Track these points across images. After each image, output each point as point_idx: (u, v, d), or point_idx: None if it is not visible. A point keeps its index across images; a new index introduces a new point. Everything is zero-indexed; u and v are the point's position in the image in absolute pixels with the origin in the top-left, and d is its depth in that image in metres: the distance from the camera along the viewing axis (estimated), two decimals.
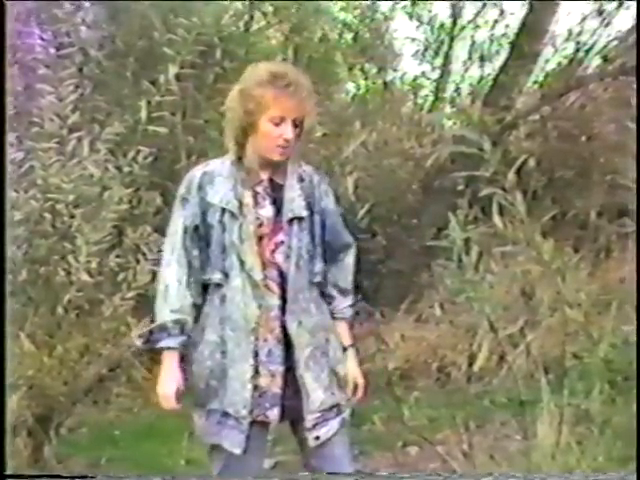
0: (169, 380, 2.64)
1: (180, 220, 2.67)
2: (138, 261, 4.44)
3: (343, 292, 2.82)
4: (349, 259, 2.85)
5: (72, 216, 4.27)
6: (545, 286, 4.18)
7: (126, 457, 4.57)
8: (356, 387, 2.79)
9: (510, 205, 3.45)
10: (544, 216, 3.80)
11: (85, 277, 4.19)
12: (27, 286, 4.19)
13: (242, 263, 2.61)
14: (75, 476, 3.00)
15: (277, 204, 2.68)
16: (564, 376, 3.52)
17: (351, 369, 2.79)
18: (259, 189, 2.68)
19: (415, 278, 6.73)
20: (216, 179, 2.66)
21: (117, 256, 4.44)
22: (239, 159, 2.68)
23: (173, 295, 2.64)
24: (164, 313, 2.64)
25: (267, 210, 2.67)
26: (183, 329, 2.64)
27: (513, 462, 3.60)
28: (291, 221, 2.67)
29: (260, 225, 2.65)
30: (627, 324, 3.81)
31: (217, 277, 2.63)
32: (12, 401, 3.88)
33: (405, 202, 7.48)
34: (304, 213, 2.69)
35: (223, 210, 2.63)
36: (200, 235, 2.65)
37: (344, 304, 2.82)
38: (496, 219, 3.54)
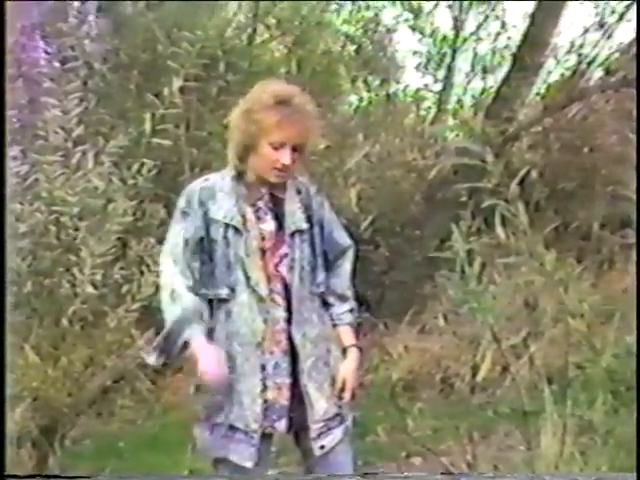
0: (210, 356, 2.57)
1: (181, 233, 2.66)
2: (142, 273, 4.45)
3: (341, 298, 2.81)
4: (346, 265, 2.84)
5: (77, 228, 4.29)
6: (548, 297, 4.19)
7: (130, 468, 4.57)
8: (343, 389, 2.73)
9: (513, 216, 3.46)
10: (547, 227, 3.81)
11: (89, 289, 4.20)
12: (32, 298, 4.21)
13: (248, 278, 2.62)
14: (74, 476, 3.00)
15: (278, 218, 2.70)
16: (567, 386, 3.52)
17: (343, 369, 2.75)
18: (260, 204, 2.70)
19: (418, 289, 6.73)
20: (217, 194, 2.67)
21: (121, 268, 4.46)
22: (239, 174, 2.70)
23: (183, 295, 2.61)
24: (176, 312, 2.60)
25: (269, 224, 2.69)
26: (202, 317, 2.61)
27: (517, 472, 3.61)
28: (293, 234, 2.69)
29: (263, 239, 2.66)
30: (630, 334, 3.81)
31: (224, 292, 2.63)
32: (16, 412, 3.90)
33: (408, 213, 7.49)
34: (305, 225, 2.72)
35: (226, 226, 2.63)
36: (202, 249, 2.66)
37: (342, 310, 2.80)
38: (499, 230, 3.55)
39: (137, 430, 5.44)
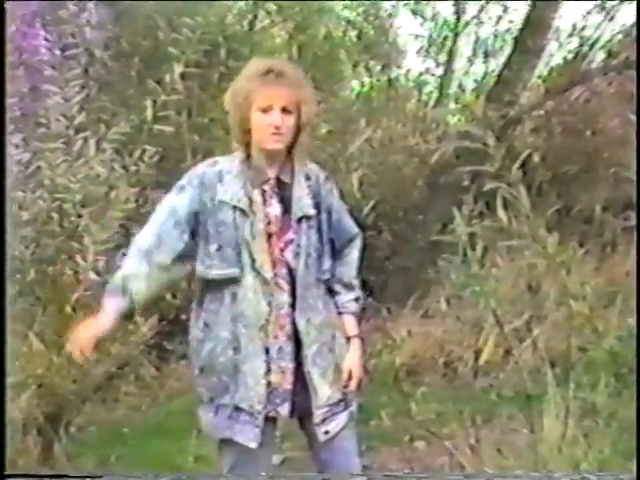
0: (88, 327, 2.71)
1: (169, 202, 2.70)
2: None
3: (347, 286, 2.83)
4: (354, 254, 2.86)
5: (79, 216, 4.30)
6: (551, 280, 4.19)
7: (135, 455, 4.59)
8: (350, 378, 2.76)
9: (515, 200, 3.46)
10: (549, 210, 3.81)
11: (93, 276, 4.22)
12: (35, 286, 4.22)
13: (253, 261, 2.64)
14: (78, 475, 3.02)
15: (284, 203, 2.70)
16: (570, 369, 3.53)
17: (348, 359, 2.77)
18: (266, 187, 2.70)
19: (421, 274, 6.73)
20: (225, 177, 2.68)
21: (124, 255, 4.46)
22: (247, 157, 2.71)
23: (130, 259, 2.71)
24: (116, 275, 2.72)
25: (275, 208, 2.69)
26: (124, 293, 2.67)
27: (520, 456, 3.61)
28: (300, 220, 2.70)
29: (269, 223, 2.67)
30: (633, 317, 3.81)
31: (236, 272, 2.64)
32: (22, 400, 3.91)
33: (410, 198, 7.50)
34: (312, 212, 2.72)
35: (235, 208, 2.65)
36: (204, 230, 2.66)
37: (347, 298, 2.82)
38: (501, 214, 3.55)
39: (142, 417, 5.45)
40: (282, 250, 2.68)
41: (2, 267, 3.02)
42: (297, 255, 2.68)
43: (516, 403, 4.14)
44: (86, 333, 2.69)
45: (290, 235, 2.69)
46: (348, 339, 2.81)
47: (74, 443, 4.47)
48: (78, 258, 4.21)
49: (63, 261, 4.25)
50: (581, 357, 3.60)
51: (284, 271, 2.67)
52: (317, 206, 2.74)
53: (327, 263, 2.75)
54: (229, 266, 2.64)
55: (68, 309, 4.20)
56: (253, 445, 2.63)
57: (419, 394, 4.38)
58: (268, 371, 2.63)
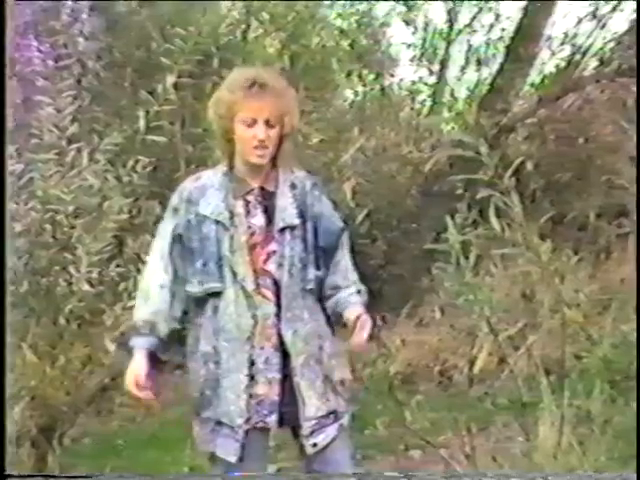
0: (131, 372, 2.69)
1: (170, 228, 2.70)
2: (139, 270, 4.44)
3: (345, 287, 2.73)
4: (346, 257, 2.77)
5: (72, 227, 4.29)
6: (545, 288, 4.19)
7: (130, 466, 4.57)
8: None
9: (508, 208, 3.46)
10: (542, 218, 3.81)
11: (86, 287, 4.20)
12: (29, 297, 4.21)
13: (234, 274, 2.63)
14: (72, 476, 3.01)
15: (268, 212, 2.69)
16: (565, 377, 3.53)
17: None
18: (250, 198, 2.69)
19: (415, 282, 6.73)
20: (208, 191, 2.68)
21: (118, 266, 4.46)
22: (230, 169, 2.71)
23: (153, 297, 2.69)
24: (140, 313, 2.71)
25: (258, 219, 2.68)
26: (153, 330, 2.67)
27: (515, 463, 3.61)
28: (283, 230, 2.67)
29: (252, 234, 2.66)
30: (627, 324, 3.82)
31: (217, 286, 2.64)
32: (15, 412, 3.90)
33: (404, 207, 7.50)
34: (296, 221, 2.69)
35: (217, 222, 2.64)
36: (191, 247, 2.67)
37: (347, 293, 2.71)
38: (494, 222, 3.55)
39: (136, 428, 5.44)
40: (265, 261, 2.66)
41: (2, 278, 3.01)
42: (280, 266, 2.65)
43: (511, 411, 4.14)
44: (131, 382, 2.70)
45: (272, 246, 2.66)
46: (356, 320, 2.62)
47: (68, 455, 4.46)
48: (71, 269, 4.20)
49: (56, 272, 4.24)
50: (576, 364, 3.61)
51: (269, 281, 2.65)
52: (302, 215, 2.70)
53: (312, 272, 2.70)
54: (212, 280, 2.64)
55: (62, 320, 4.19)
56: (232, 459, 2.62)
57: (414, 403, 4.37)
58: (253, 383, 2.62)
